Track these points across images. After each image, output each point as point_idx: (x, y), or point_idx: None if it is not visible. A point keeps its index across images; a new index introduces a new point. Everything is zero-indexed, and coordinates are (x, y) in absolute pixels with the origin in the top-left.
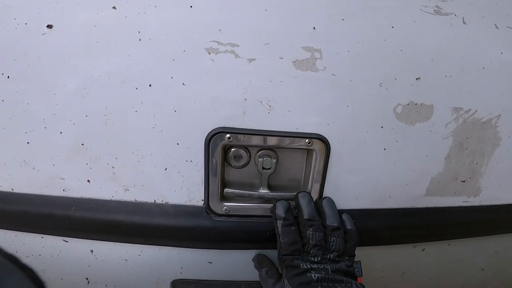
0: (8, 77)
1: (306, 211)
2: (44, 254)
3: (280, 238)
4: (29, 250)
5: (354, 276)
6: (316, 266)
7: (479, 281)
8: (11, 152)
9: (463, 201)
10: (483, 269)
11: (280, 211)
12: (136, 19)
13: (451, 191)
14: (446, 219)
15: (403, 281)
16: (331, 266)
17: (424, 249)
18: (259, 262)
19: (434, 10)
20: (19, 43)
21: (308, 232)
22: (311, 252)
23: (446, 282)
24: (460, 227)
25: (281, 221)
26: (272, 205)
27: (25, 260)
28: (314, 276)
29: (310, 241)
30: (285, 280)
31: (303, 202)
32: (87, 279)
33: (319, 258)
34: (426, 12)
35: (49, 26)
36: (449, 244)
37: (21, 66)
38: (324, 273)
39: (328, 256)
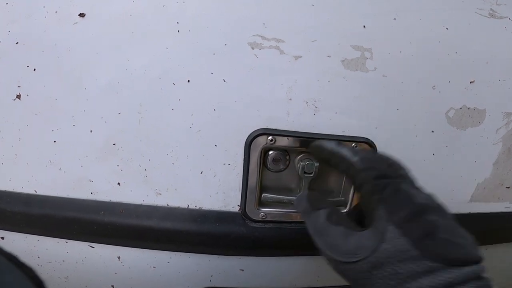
0: (35, 69)
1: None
2: (68, 260)
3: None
4: (52, 256)
5: None
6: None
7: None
8: (35, 151)
9: (505, 207)
10: None
11: None
12: (175, 8)
13: (495, 197)
14: (487, 224)
15: None
16: None
17: None
18: (310, 200)
19: (489, 13)
20: (47, 33)
21: None
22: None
23: None
24: (500, 232)
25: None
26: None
27: (48, 266)
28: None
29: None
30: (391, 227)
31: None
32: (112, 286)
33: None
34: (481, 15)
35: (81, 15)
36: (486, 249)
37: (49, 58)
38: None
39: None
